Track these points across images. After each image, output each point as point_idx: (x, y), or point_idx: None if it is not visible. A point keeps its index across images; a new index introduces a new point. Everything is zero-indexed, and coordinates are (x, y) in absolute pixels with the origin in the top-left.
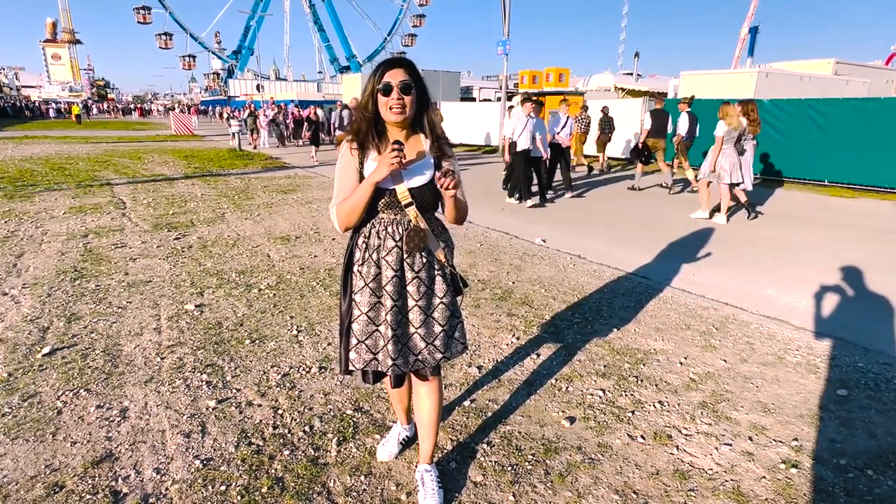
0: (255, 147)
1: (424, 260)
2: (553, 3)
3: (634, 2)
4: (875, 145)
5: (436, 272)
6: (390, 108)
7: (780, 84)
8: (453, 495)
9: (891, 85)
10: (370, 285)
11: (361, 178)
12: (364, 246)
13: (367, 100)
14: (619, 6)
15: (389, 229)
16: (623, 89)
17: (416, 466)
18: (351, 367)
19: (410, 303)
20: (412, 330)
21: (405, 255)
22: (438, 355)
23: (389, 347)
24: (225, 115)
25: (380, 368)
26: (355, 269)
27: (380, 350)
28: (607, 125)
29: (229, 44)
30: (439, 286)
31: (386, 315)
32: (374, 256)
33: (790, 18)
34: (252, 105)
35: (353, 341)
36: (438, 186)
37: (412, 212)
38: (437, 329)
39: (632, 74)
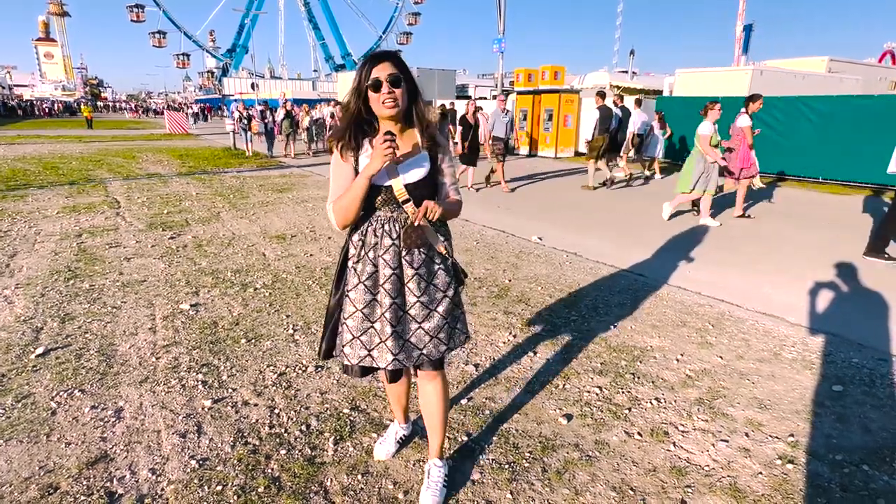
0: (287, 156)
1: (423, 255)
2: (549, 1)
3: None
4: (869, 142)
5: (437, 266)
6: (383, 103)
7: (775, 81)
8: (451, 493)
9: (884, 82)
10: (365, 283)
11: (357, 173)
12: (361, 243)
13: (352, 97)
14: (615, 3)
15: (386, 227)
16: (618, 87)
17: (426, 460)
18: (346, 362)
19: (412, 299)
20: (415, 326)
21: (403, 253)
22: (443, 347)
23: (389, 343)
24: (252, 115)
25: (375, 364)
26: (350, 265)
27: (374, 347)
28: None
29: (224, 42)
30: (441, 280)
31: (384, 312)
32: (371, 255)
33: (785, 17)
34: (289, 103)
35: (348, 336)
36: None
37: (409, 208)
38: (441, 322)
39: (627, 72)
